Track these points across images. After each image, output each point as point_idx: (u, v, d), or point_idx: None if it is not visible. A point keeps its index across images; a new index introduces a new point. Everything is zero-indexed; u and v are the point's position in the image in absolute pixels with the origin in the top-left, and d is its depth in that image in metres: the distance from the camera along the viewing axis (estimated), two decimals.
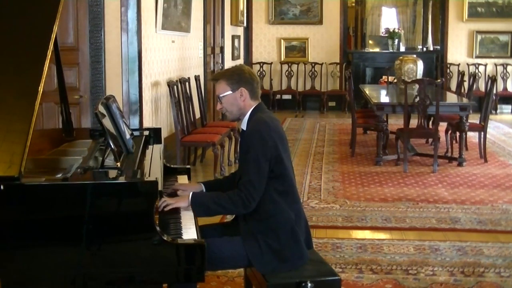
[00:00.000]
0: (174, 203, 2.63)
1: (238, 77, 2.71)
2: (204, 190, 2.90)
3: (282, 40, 12.19)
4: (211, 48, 9.12)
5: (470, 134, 7.67)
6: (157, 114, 6.48)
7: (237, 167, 3.19)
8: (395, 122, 8.93)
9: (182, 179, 3.21)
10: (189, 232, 2.45)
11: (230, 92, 2.71)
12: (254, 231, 2.64)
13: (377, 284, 3.57)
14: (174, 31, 6.91)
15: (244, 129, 2.75)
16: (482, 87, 10.86)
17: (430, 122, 7.57)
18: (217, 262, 2.59)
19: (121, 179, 2.34)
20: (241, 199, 2.58)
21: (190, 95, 7.01)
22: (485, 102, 7.30)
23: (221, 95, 2.72)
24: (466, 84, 10.05)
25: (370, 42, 14.16)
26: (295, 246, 2.65)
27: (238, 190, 2.60)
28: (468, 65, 11.70)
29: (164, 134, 5.60)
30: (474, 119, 7.87)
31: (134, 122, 5.64)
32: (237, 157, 7.06)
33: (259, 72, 11.97)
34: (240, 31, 11.47)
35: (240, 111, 2.74)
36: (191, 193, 2.67)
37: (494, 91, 8.59)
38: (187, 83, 6.96)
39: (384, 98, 8.04)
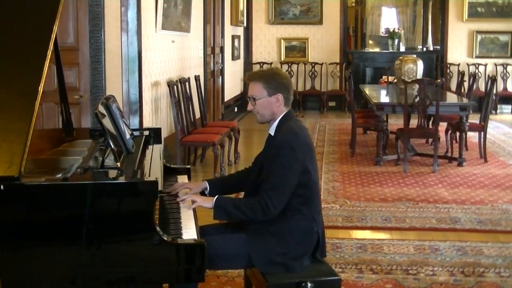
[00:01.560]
0: (198, 201, 2.64)
1: (277, 82, 2.69)
2: (208, 188, 2.92)
3: (282, 40, 12.19)
4: (211, 48, 9.11)
5: (470, 134, 7.67)
6: (157, 114, 6.47)
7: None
8: (395, 122, 8.93)
9: (182, 179, 3.21)
10: (189, 232, 2.45)
11: (266, 96, 2.68)
12: (264, 231, 2.64)
13: (377, 284, 3.57)
14: (174, 31, 6.91)
15: (272, 134, 2.73)
16: (482, 87, 10.87)
17: (430, 122, 7.58)
18: (218, 260, 2.58)
19: (121, 179, 2.34)
20: (260, 207, 2.56)
21: (190, 95, 7.01)
22: (485, 102, 7.30)
23: (256, 97, 2.69)
24: (466, 84, 10.05)
25: (370, 42, 14.16)
26: (299, 255, 2.65)
27: (260, 197, 2.58)
28: (468, 65, 11.70)
29: (164, 134, 5.60)
30: (474, 119, 7.87)
31: (134, 122, 5.64)
32: (237, 156, 7.06)
33: None
34: (240, 31, 11.47)
35: (272, 116, 2.72)
36: (216, 197, 2.65)
37: (494, 91, 8.59)
38: (187, 83, 6.96)
39: (384, 98, 8.05)
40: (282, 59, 12.18)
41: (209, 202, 2.64)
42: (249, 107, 2.74)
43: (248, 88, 2.75)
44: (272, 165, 2.60)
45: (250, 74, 2.79)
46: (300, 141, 2.62)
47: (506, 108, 11.95)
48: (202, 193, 2.92)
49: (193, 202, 2.66)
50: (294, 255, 2.63)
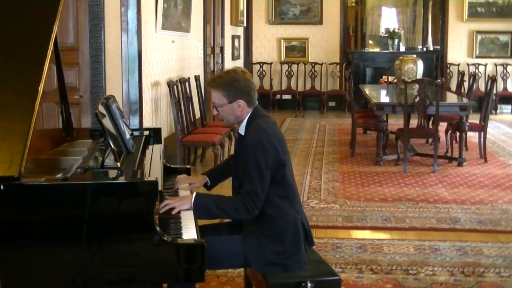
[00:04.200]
0: (177, 206, 2.63)
1: (235, 89, 2.70)
2: (209, 182, 2.98)
3: (282, 40, 12.18)
4: (211, 48, 9.12)
5: (470, 134, 7.67)
6: (157, 114, 6.47)
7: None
8: (395, 122, 8.93)
9: None
10: (189, 232, 2.45)
11: (226, 103, 2.71)
12: (258, 233, 2.66)
13: (377, 284, 3.57)
14: (174, 31, 6.91)
15: (242, 134, 2.77)
16: (482, 87, 10.87)
17: (430, 122, 7.57)
18: (215, 260, 2.59)
19: (121, 179, 2.34)
20: (245, 207, 2.59)
21: (190, 95, 7.01)
22: (485, 102, 7.30)
23: (218, 106, 2.73)
24: (466, 84, 10.05)
25: (370, 42, 14.15)
26: (296, 250, 2.67)
27: (242, 198, 2.61)
28: (468, 65, 11.70)
29: (164, 134, 5.60)
30: (474, 119, 7.87)
31: (134, 122, 5.64)
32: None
33: (259, 72, 11.98)
34: (240, 31, 11.47)
35: (237, 119, 2.76)
36: (194, 195, 2.66)
37: (494, 91, 8.59)
38: (187, 83, 6.96)
39: (384, 98, 8.04)
40: (282, 59, 12.18)
41: (188, 203, 2.64)
42: (214, 112, 2.80)
43: (211, 95, 2.79)
44: (247, 165, 2.63)
45: (209, 81, 2.80)
46: (270, 136, 2.66)
47: (506, 108, 11.95)
48: (205, 186, 3.03)
49: (172, 209, 2.63)
50: (291, 252, 2.65)
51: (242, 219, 2.71)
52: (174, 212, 2.61)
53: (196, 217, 2.62)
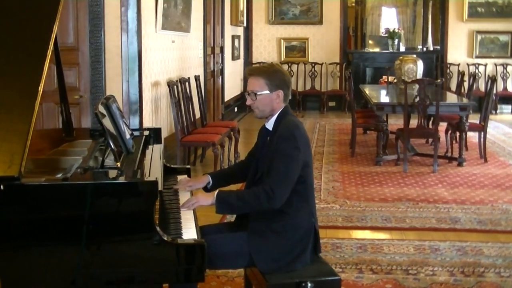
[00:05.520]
0: (199, 202, 2.64)
1: (279, 79, 2.70)
2: (211, 182, 2.93)
3: (282, 40, 12.19)
4: (211, 48, 9.11)
5: (470, 134, 7.66)
6: (157, 114, 6.47)
7: None
8: (395, 122, 8.93)
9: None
10: (189, 232, 2.45)
11: (267, 91, 2.69)
12: (265, 229, 2.64)
13: (377, 284, 3.57)
14: (174, 31, 6.91)
15: (270, 129, 2.75)
16: (482, 87, 10.86)
17: (430, 122, 7.57)
18: (218, 260, 2.58)
19: (121, 179, 2.34)
20: (266, 193, 2.54)
21: (190, 95, 7.01)
22: (485, 102, 7.30)
23: (258, 92, 2.69)
24: (466, 84, 10.05)
25: (370, 42, 14.15)
26: (302, 251, 2.66)
27: (264, 185, 2.57)
28: (468, 65, 11.70)
29: (164, 134, 5.60)
30: (474, 119, 7.87)
31: (134, 122, 5.64)
32: (237, 156, 7.06)
33: None
34: (240, 31, 11.47)
35: (271, 111, 2.74)
36: (216, 192, 2.64)
37: (494, 91, 8.59)
38: (187, 83, 6.96)
39: (384, 98, 8.05)
40: (282, 59, 12.18)
41: (209, 199, 2.63)
42: (249, 101, 2.74)
43: (248, 83, 2.75)
44: (275, 156, 2.60)
45: (251, 69, 2.80)
46: (302, 135, 2.66)
47: (506, 108, 11.95)
48: (205, 188, 2.94)
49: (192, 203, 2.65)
50: (297, 252, 2.64)
51: (263, 209, 2.61)
52: (194, 206, 2.62)
53: (218, 212, 2.62)
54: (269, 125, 2.75)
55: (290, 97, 2.77)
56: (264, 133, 2.80)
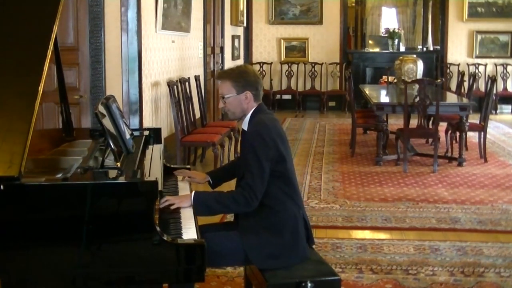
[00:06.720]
0: (176, 203, 2.64)
1: (244, 80, 2.75)
2: (211, 181, 3.01)
3: (282, 40, 12.19)
4: (211, 48, 9.11)
5: (470, 134, 7.67)
6: (157, 114, 6.48)
7: None
8: (395, 122, 8.93)
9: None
10: (189, 232, 2.44)
11: (235, 94, 2.74)
12: (256, 227, 2.67)
13: (377, 284, 3.57)
14: (174, 31, 6.91)
15: (245, 129, 2.79)
16: (482, 87, 10.87)
17: (430, 122, 7.57)
18: (215, 258, 2.59)
19: (121, 179, 2.34)
20: (244, 198, 2.61)
21: (190, 95, 7.01)
22: (485, 102, 7.30)
23: (225, 96, 2.75)
24: (466, 84, 10.05)
25: (370, 42, 14.16)
26: (295, 243, 2.69)
27: (241, 189, 2.64)
28: (468, 65, 11.70)
29: (164, 134, 5.60)
30: (474, 119, 7.87)
31: (134, 122, 5.64)
32: (237, 156, 7.05)
33: (259, 72, 11.97)
34: (240, 31, 11.47)
35: (243, 112, 2.79)
36: (193, 193, 2.68)
37: (494, 91, 8.59)
38: (187, 83, 6.96)
39: (384, 98, 8.05)
40: (282, 59, 12.18)
41: (187, 201, 2.66)
42: (220, 105, 2.81)
43: (219, 87, 2.82)
44: (247, 157, 2.67)
45: (219, 73, 2.87)
46: (270, 130, 2.69)
47: (506, 108, 11.95)
48: (209, 184, 3.04)
49: (171, 205, 2.64)
50: (290, 244, 2.67)
51: (241, 212, 2.72)
52: (173, 207, 2.62)
53: (197, 214, 2.63)
54: (244, 125, 2.81)
55: (261, 96, 2.81)
56: (241, 133, 2.88)
